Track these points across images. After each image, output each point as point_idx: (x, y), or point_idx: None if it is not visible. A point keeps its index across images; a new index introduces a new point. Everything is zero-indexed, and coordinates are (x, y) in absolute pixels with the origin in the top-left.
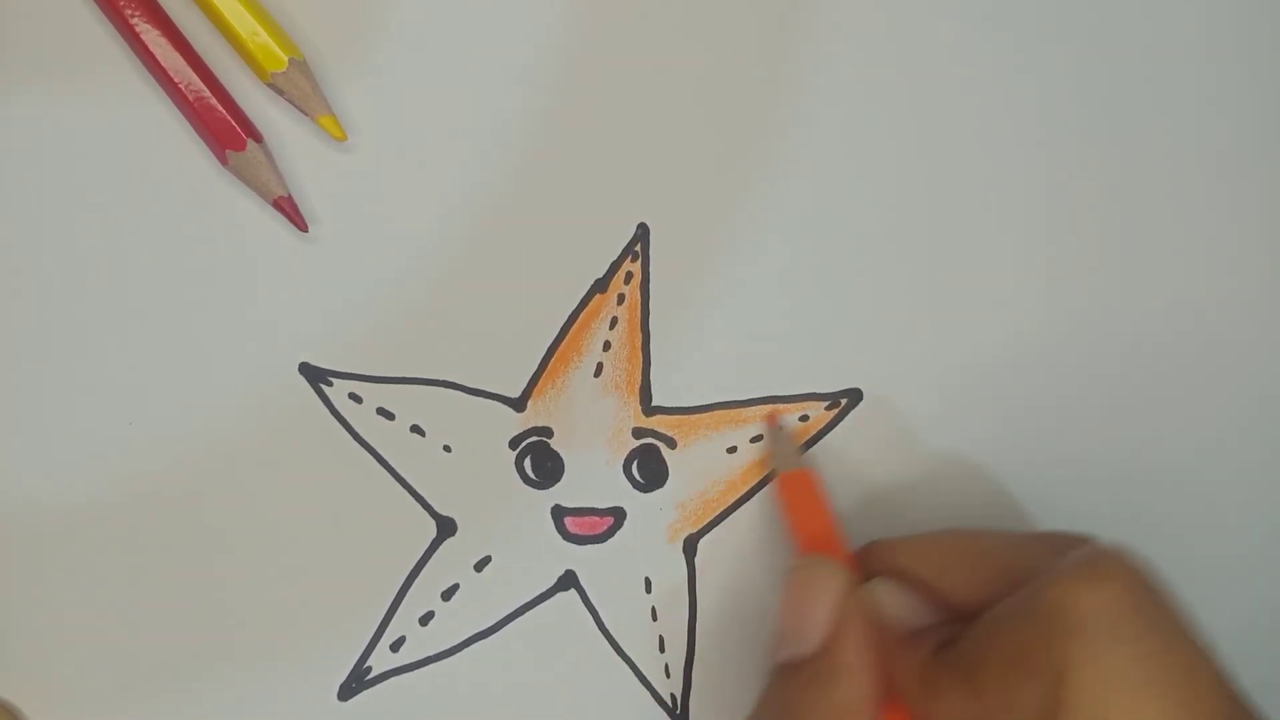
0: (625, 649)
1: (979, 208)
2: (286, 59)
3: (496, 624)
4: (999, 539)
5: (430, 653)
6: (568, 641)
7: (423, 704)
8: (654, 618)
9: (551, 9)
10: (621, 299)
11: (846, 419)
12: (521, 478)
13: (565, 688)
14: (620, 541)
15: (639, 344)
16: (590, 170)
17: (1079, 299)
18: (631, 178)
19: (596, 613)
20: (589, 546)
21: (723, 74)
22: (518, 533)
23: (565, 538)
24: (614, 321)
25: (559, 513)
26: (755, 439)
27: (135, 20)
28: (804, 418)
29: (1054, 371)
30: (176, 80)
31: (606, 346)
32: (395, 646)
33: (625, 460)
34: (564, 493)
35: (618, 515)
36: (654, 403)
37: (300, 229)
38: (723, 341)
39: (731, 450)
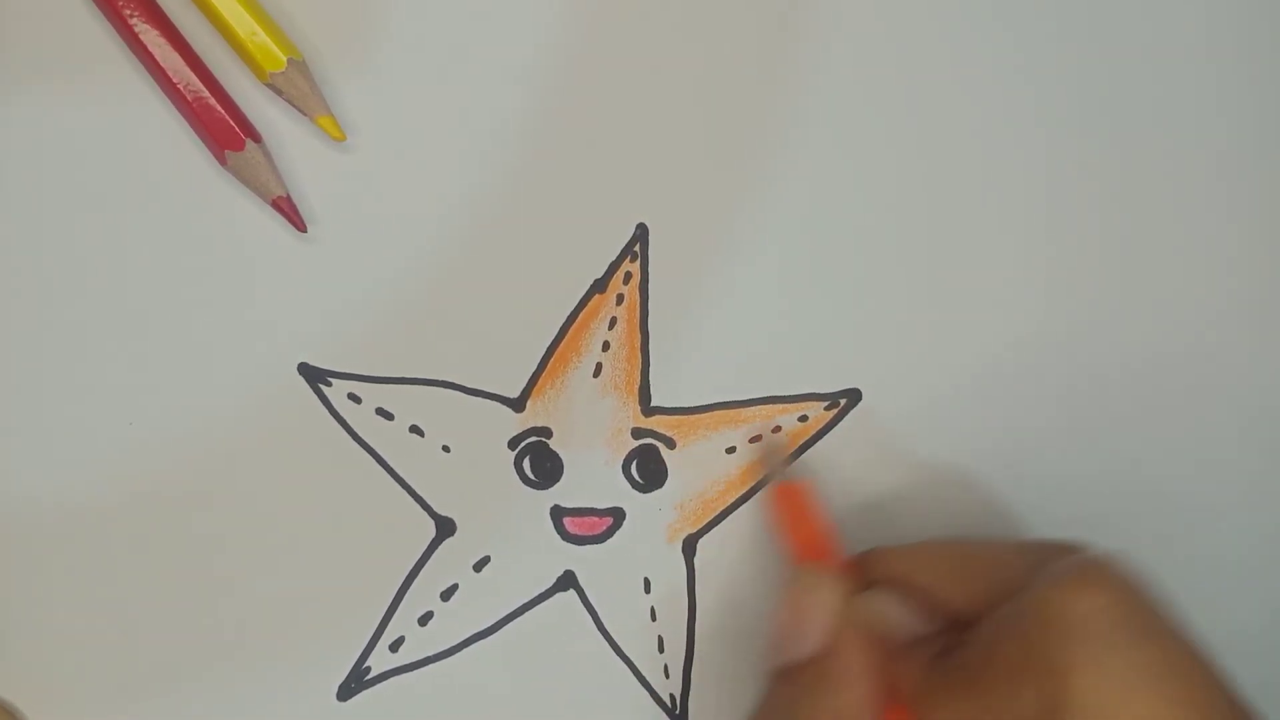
0: (624, 649)
1: (978, 208)
2: (285, 59)
3: (496, 624)
4: (995, 547)
5: (429, 653)
6: (567, 642)
7: (422, 704)
8: (653, 618)
9: (551, 9)
10: (620, 299)
11: (844, 424)
12: (521, 478)
13: (564, 688)
14: (619, 542)
15: (638, 344)
16: (589, 170)
17: (1078, 299)
18: (630, 178)
19: (595, 613)
20: (588, 547)
21: (722, 74)
22: (517, 533)
23: (564, 538)
24: (613, 322)
25: (558, 513)
26: (754, 439)
27: (134, 20)
28: (803, 418)
29: (1054, 371)
30: (175, 80)
31: (605, 347)
32: (394, 647)
33: (624, 460)
34: (563, 493)
35: (617, 515)
36: (653, 403)
37: (299, 229)
38: (722, 342)
39: (730, 450)
